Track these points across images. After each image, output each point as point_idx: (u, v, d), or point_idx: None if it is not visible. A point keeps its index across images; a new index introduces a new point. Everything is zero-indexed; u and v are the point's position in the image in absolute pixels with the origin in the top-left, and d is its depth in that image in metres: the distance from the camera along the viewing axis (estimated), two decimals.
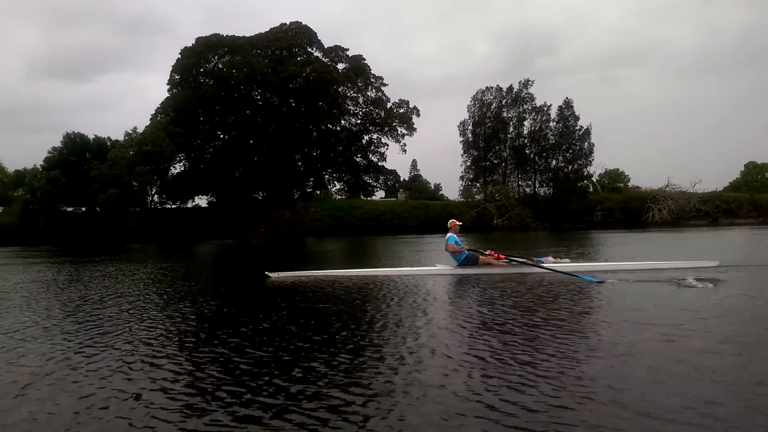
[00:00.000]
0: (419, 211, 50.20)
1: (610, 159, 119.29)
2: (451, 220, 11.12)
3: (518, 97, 53.43)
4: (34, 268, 14.35)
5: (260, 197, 58.33)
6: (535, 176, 54.45)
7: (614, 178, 68.31)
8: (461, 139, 55.55)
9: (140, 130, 52.33)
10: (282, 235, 44.94)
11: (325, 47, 58.48)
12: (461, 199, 54.01)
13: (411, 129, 58.84)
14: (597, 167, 55.10)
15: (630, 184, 67.91)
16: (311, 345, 4.70)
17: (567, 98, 52.29)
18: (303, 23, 58.00)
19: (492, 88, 54.45)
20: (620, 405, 3.01)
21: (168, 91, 57.51)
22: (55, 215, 50.22)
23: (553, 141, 52.61)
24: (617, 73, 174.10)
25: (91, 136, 54.44)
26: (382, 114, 58.82)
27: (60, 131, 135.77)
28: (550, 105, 52.91)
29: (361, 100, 59.65)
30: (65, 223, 49.50)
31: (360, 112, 60.44)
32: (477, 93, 54.82)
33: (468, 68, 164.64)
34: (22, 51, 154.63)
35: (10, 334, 5.47)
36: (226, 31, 56.73)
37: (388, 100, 59.25)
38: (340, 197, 64.57)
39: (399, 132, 59.31)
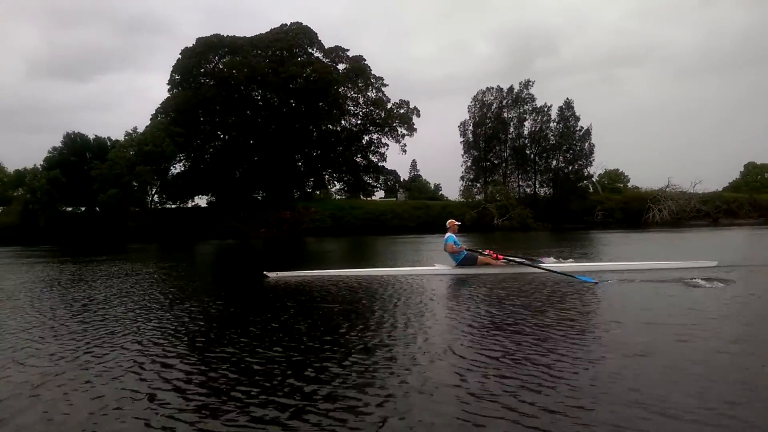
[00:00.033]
0: (420, 211, 50.22)
1: (609, 159, 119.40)
2: (449, 220, 11.08)
3: (519, 98, 53.46)
4: (36, 268, 14.31)
5: (260, 197, 58.35)
6: (536, 176, 54.48)
7: (614, 179, 68.40)
8: (462, 139, 55.63)
9: (140, 130, 52.43)
10: (282, 235, 44.91)
11: (326, 48, 58.53)
12: (462, 200, 54.02)
13: (411, 129, 58.97)
14: (597, 168, 55.29)
15: (630, 185, 68.05)
16: (313, 344, 4.68)
17: (567, 99, 52.44)
18: (303, 24, 58.10)
19: (492, 88, 54.55)
20: (640, 405, 2.98)
21: (168, 91, 57.60)
22: (56, 215, 50.23)
23: (554, 141, 52.66)
24: (617, 74, 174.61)
25: (91, 136, 54.52)
26: (383, 114, 58.87)
27: (60, 131, 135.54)
28: (551, 105, 53.04)
29: (361, 100, 59.73)
30: (65, 223, 49.51)
31: (360, 113, 60.56)
32: (477, 93, 54.92)
33: (468, 68, 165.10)
34: (22, 51, 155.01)
35: (17, 333, 5.45)
36: (225, 31, 56.89)
37: (389, 100, 59.42)
38: (339, 197, 64.64)
39: (399, 132, 59.46)
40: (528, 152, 54.01)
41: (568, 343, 4.51)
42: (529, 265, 9.73)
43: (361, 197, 62.25)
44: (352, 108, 60.13)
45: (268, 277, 9.98)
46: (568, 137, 51.68)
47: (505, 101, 54.05)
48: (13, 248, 29.76)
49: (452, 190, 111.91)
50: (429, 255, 15.28)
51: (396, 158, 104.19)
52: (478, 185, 54.41)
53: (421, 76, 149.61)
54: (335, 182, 64.78)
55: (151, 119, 55.65)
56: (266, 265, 12.25)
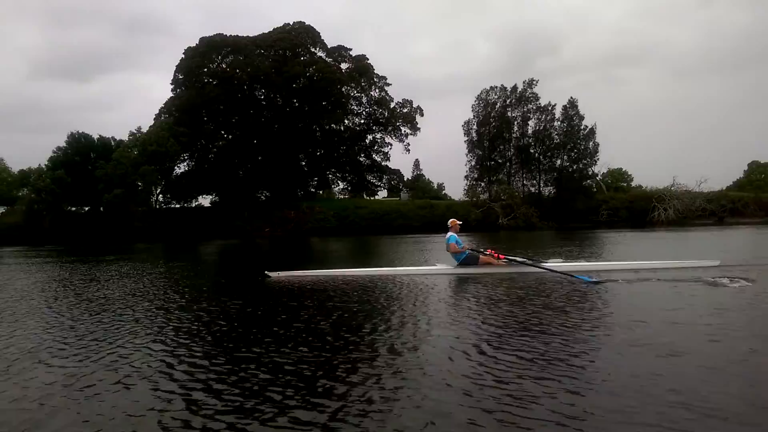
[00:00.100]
0: (424, 210, 50.11)
1: (611, 159, 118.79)
2: (451, 220, 11.03)
3: (523, 97, 53.32)
4: (46, 268, 14.32)
5: (264, 197, 58.36)
6: (540, 176, 54.36)
7: (617, 178, 68.22)
8: (466, 138, 55.49)
9: (142, 129, 52.51)
10: (287, 234, 44.92)
11: (329, 47, 58.48)
12: (466, 199, 53.93)
13: (415, 129, 58.87)
14: (601, 167, 55.13)
15: (633, 184, 67.91)
16: (312, 344, 4.64)
17: (572, 98, 52.26)
18: (306, 23, 58.05)
19: (496, 87, 54.41)
20: (684, 406, 2.94)
21: (172, 90, 57.60)
22: (60, 215, 50.27)
23: (558, 140, 52.51)
24: (617, 73, 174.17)
25: (95, 136, 54.49)
26: (386, 114, 58.80)
27: (61, 131, 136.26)
28: (555, 104, 52.87)
29: (364, 99, 59.66)
30: (70, 223, 49.54)
31: (364, 112, 60.44)
32: (481, 93, 54.79)
33: (469, 68, 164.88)
34: (24, 51, 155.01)
35: (39, 334, 5.42)
36: (226, 30, 56.67)
37: (392, 99, 59.31)
38: (343, 197, 64.62)
39: (402, 132, 59.37)
40: (532, 151, 53.87)
41: (596, 342, 4.47)
42: (530, 265, 9.71)
43: (365, 197, 62.22)
44: (355, 107, 60.06)
45: (270, 276, 9.96)
46: (573, 136, 51.53)
47: (509, 100, 53.94)
48: (19, 248, 29.80)
49: (455, 190, 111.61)
50: (432, 255, 15.23)
51: (399, 158, 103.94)
52: (483, 185, 54.33)
53: (422, 75, 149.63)
54: (339, 182, 64.78)
55: (154, 119, 55.75)
56: (271, 264, 12.24)
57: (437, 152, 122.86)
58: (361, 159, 61.38)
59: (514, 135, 54.21)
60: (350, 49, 59.14)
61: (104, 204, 46.81)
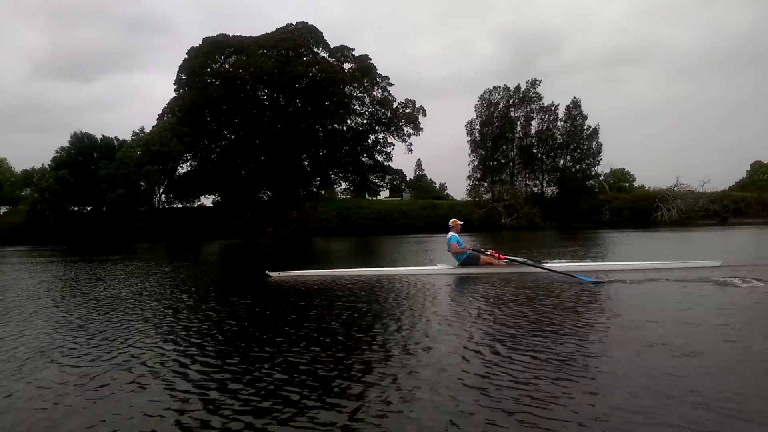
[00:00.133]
0: (427, 210, 50.10)
1: (613, 158, 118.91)
2: (452, 220, 10.97)
3: (526, 97, 53.29)
4: (51, 268, 14.32)
5: (266, 197, 58.44)
6: (543, 176, 54.30)
7: (620, 178, 68.15)
8: (469, 138, 55.50)
9: (145, 129, 52.65)
10: (289, 234, 44.93)
11: (331, 47, 58.50)
12: (468, 199, 53.90)
13: (417, 129, 58.85)
14: (603, 167, 55.09)
15: (635, 184, 67.82)
16: (310, 344, 4.62)
17: (575, 98, 52.26)
18: (309, 23, 58.08)
19: (500, 87, 54.38)
20: (704, 407, 2.91)
21: (175, 90, 57.70)
22: (63, 215, 50.37)
23: (561, 140, 52.47)
24: (619, 73, 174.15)
25: (98, 136, 54.55)
26: (388, 114, 58.80)
27: (62, 131, 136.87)
28: (558, 104, 52.87)
29: (367, 99, 59.69)
30: (73, 223, 49.65)
31: (366, 112, 60.48)
32: (484, 92, 54.77)
33: (470, 68, 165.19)
34: (25, 51, 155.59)
35: (49, 333, 5.41)
36: (226, 30, 56.63)
37: (394, 100, 59.29)
38: (345, 197, 64.65)
39: (405, 132, 59.36)
40: (535, 151, 53.85)
41: (610, 343, 4.44)
42: (530, 265, 9.68)
43: (367, 197, 62.23)
44: (358, 107, 60.09)
45: (270, 276, 9.93)
46: (576, 136, 51.49)
47: (512, 100, 53.91)
48: (22, 248, 29.84)
49: (456, 190, 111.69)
50: (434, 255, 15.19)
51: (401, 157, 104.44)
52: (486, 184, 54.29)
53: (423, 75, 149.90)
54: (341, 182, 64.84)
55: (157, 119, 55.84)
56: (273, 264, 12.24)
57: (438, 152, 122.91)
58: (363, 159, 61.40)
59: (517, 135, 54.21)
60: (353, 49, 59.26)
61: (107, 204, 46.88)
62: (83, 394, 3.42)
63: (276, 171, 54.38)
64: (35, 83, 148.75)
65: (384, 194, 65.88)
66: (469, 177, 55.60)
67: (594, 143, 51.35)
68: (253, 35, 57.25)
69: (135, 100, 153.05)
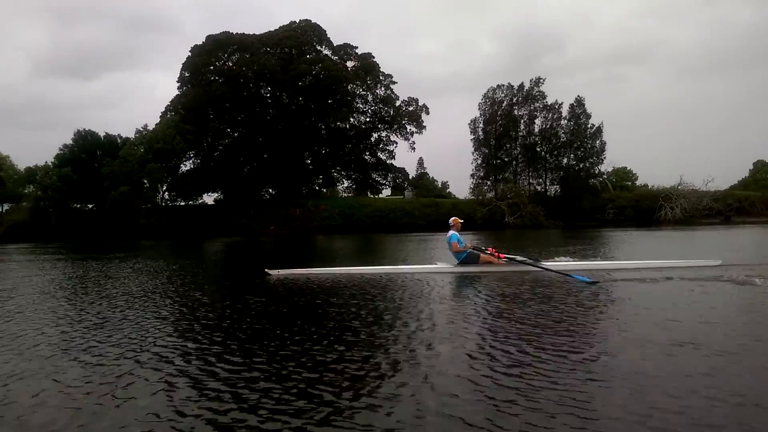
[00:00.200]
0: (429, 209, 50.11)
1: (614, 157, 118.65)
2: (453, 218, 10.91)
3: (529, 95, 53.25)
4: (59, 265, 14.34)
5: (268, 195, 58.49)
6: (546, 174, 54.27)
7: (622, 177, 68.07)
8: (472, 137, 55.53)
9: (149, 127, 52.68)
10: (292, 232, 44.97)
11: (335, 45, 58.43)
12: (471, 197, 53.91)
13: (420, 127, 58.80)
14: (607, 165, 55.08)
15: (637, 183, 67.75)
16: (307, 344, 4.60)
17: (578, 96, 52.20)
18: (312, 21, 58.01)
19: (503, 86, 54.40)
20: (743, 406, 2.92)
21: (178, 88, 57.68)
22: (66, 212, 50.42)
23: (565, 139, 52.43)
24: (621, 72, 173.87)
25: (101, 134, 54.56)
26: (391, 112, 58.76)
27: (64, 129, 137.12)
28: (562, 103, 52.83)
29: (370, 98, 59.64)
30: (76, 220, 49.70)
31: (369, 110, 60.43)
32: (488, 91, 54.77)
33: (472, 67, 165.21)
34: (27, 49, 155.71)
35: (68, 331, 5.37)
36: (228, 29, 56.57)
37: (397, 98, 59.24)
38: (347, 195, 64.67)
39: (408, 130, 59.31)
40: (539, 150, 53.79)
41: (628, 341, 4.39)
42: (530, 265, 9.68)
43: (369, 195, 62.23)
44: (361, 105, 60.07)
45: (270, 275, 9.92)
46: (579, 135, 51.45)
47: (515, 99, 53.86)
48: (26, 245, 29.85)
49: (458, 188, 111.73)
50: (436, 253, 15.17)
51: (403, 156, 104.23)
52: (489, 183, 54.30)
53: (424, 74, 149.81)
54: (344, 180, 64.83)
55: (160, 117, 55.81)
56: (276, 262, 12.28)
57: (439, 151, 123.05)
58: (366, 157, 61.37)
59: (521, 133, 54.18)
60: (356, 47, 59.15)
61: (110, 201, 46.89)
62: (112, 393, 3.40)
63: (279, 169, 54.39)
64: (37, 81, 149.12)
65: (386, 192, 65.95)
66: (472, 175, 55.72)
67: (598, 142, 51.35)
68: (256, 33, 57.29)
69: (136, 99, 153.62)
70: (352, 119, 59.76)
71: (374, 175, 62.45)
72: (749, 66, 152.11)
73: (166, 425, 2.90)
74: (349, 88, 56.68)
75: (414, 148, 60.42)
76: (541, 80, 53.32)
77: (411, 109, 58.85)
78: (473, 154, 55.51)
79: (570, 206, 48.60)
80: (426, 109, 58.92)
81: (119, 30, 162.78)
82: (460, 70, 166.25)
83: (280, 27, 57.66)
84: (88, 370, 3.98)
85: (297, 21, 58.03)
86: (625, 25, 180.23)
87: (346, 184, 65.93)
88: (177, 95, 56.86)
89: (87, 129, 53.82)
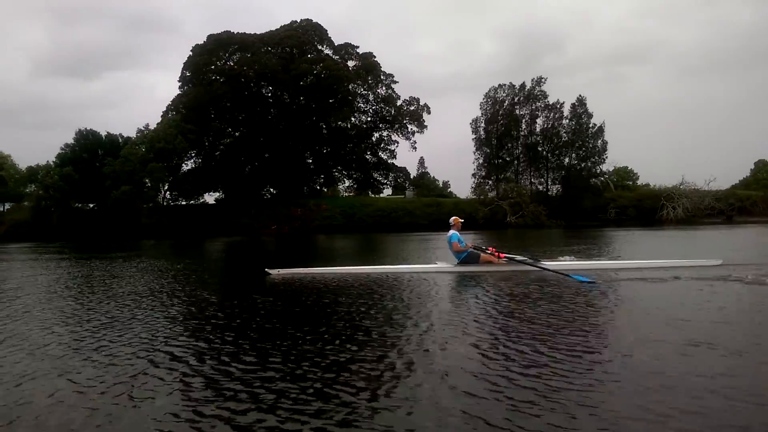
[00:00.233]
0: (431, 208, 50.09)
1: (614, 157, 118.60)
2: (453, 218, 10.88)
3: (531, 95, 53.22)
4: (63, 264, 14.33)
5: (269, 194, 58.51)
6: (548, 174, 54.26)
7: (623, 176, 68.02)
8: (474, 136, 55.52)
9: (150, 126, 52.64)
10: (293, 232, 44.99)
11: (336, 45, 58.44)
12: (473, 196, 53.90)
13: (422, 126, 58.78)
14: (608, 165, 55.04)
15: (638, 182, 67.71)
16: (306, 345, 4.58)
17: (580, 96, 52.19)
18: (313, 21, 58.00)
19: (505, 85, 54.38)
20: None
21: (179, 88, 57.71)
22: (68, 212, 50.42)
23: (566, 138, 52.41)
24: (621, 72, 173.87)
25: (103, 133, 54.54)
26: (393, 111, 58.74)
27: (65, 129, 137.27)
28: (563, 102, 52.81)
29: (371, 97, 59.66)
30: (78, 220, 49.71)
31: (370, 110, 60.43)
32: (490, 90, 54.75)
33: (472, 67, 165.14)
34: (27, 48, 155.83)
35: (78, 331, 5.35)
36: (228, 28, 56.44)
37: (398, 97, 59.22)
38: (348, 194, 64.68)
39: (409, 129, 59.30)
40: (540, 149, 53.76)
41: (640, 341, 4.36)
42: (530, 265, 9.66)
43: (370, 194, 62.23)
44: (362, 105, 60.07)
45: (270, 274, 9.91)
46: (581, 134, 51.43)
47: (517, 98, 53.83)
48: (28, 245, 29.81)
49: (459, 188, 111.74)
50: (436, 253, 15.17)
51: (403, 155, 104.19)
52: (490, 182, 54.28)
53: (425, 74, 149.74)
54: (345, 179, 64.84)
55: (162, 116, 55.82)
56: (277, 262, 12.26)
57: (440, 151, 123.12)
58: (367, 157, 61.37)
59: (522, 133, 54.17)
60: (357, 47, 59.15)
61: (111, 201, 46.88)
62: (128, 393, 3.39)
63: (280, 168, 54.39)
64: (37, 81, 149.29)
65: (386, 192, 65.94)
66: (473, 175, 55.70)
67: (599, 141, 51.31)
68: (256, 33, 57.26)
69: (136, 98, 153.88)
70: (353, 119, 59.77)
71: (375, 175, 62.47)
72: (749, 66, 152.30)
73: (186, 426, 2.88)
74: (350, 87, 56.66)
75: (415, 148, 60.55)
76: (543, 80, 53.37)
77: (412, 108, 58.85)
78: (475, 153, 55.58)
79: (571, 206, 48.60)
80: (427, 108, 58.96)
81: (119, 29, 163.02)
82: (460, 70, 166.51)
83: (281, 26, 57.69)
84: (100, 369, 3.97)
85: (298, 20, 58.06)
86: (626, 25, 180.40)
87: (347, 184, 66.03)
88: (178, 95, 56.90)
89: (88, 128, 53.86)
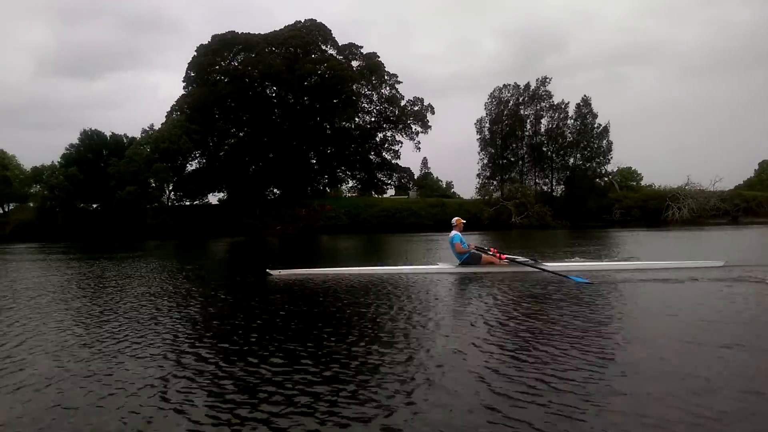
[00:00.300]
0: (436, 209, 50.02)
1: (618, 157, 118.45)
2: (455, 218, 10.84)
3: (536, 95, 53.09)
4: (73, 265, 14.34)
5: (273, 195, 58.54)
6: (552, 174, 54.16)
7: (627, 177, 67.80)
8: (478, 136, 55.37)
9: (155, 126, 52.72)
10: (298, 232, 45.03)
11: (340, 45, 58.44)
12: (477, 197, 53.84)
13: (426, 126, 58.71)
14: (612, 165, 54.88)
15: (642, 183, 67.52)
16: (305, 345, 4.55)
17: (585, 96, 52.02)
18: (318, 21, 58.01)
19: (509, 85, 54.22)
20: None
21: (184, 88, 57.77)
22: (73, 212, 50.55)
23: (571, 139, 52.30)
24: (623, 71, 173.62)
25: (107, 134, 54.62)
26: (396, 111, 58.72)
27: (67, 129, 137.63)
28: (568, 102, 52.67)
29: (375, 97, 59.58)
30: (83, 220, 49.84)
31: (374, 110, 60.38)
32: (494, 90, 54.60)
33: (474, 67, 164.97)
34: (31, 48, 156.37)
35: (102, 333, 5.35)
36: (230, 28, 56.52)
37: (402, 97, 59.19)
38: (352, 195, 64.68)
39: (413, 130, 59.27)
40: (545, 149, 53.66)
41: (670, 343, 4.34)
42: (531, 266, 9.65)
43: (374, 194, 62.23)
44: (366, 105, 60.01)
45: (271, 275, 9.89)
46: (586, 135, 51.30)
47: (521, 98, 53.73)
48: (34, 245, 29.86)
49: (462, 188, 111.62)
50: (439, 254, 15.14)
51: (407, 156, 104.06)
52: (495, 183, 54.20)
53: (426, 74, 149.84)
54: (349, 180, 64.85)
55: (166, 116, 55.91)
56: (283, 262, 12.25)
57: (442, 151, 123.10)
58: (371, 157, 61.33)
59: (527, 133, 54.06)
60: (361, 47, 59.12)
61: (116, 201, 46.98)
62: (161, 394, 3.38)
63: (284, 169, 54.40)
64: (40, 81, 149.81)
65: (390, 192, 65.87)
66: (478, 175, 55.58)
67: (604, 142, 51.18)
68: (260, 33, 57.31)
69: (139, 99, 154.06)
70: (357, 119, 59.74)
71: (379, 175, 62.43)
72: (751, 66, 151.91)
73: (227, 430, 2.88)
74: (354, 87, 56.63)
75: (419, 148, 60.47)
76: (547, 80, 53.22)
77: (416, 108, 58.77)
78: (479, 153, 55.45)
79: (576, 206, 48.48)
80: (431, 108, 58.88)
81: (121, 29, 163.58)
82: (461, 70, 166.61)
83: (285, 27, 57.70)
84: (131, 371, 3.95)
85: (302, 21, 58.08)
86: (627, 25, 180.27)
87: (351, 184, 66.04)
88: (183, 95, 56.96)
89: (93, 129, 53.93)
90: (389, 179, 62.96)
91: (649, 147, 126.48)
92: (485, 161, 54.99)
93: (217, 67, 56.06)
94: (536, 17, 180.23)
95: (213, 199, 59.41)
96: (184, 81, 57.36)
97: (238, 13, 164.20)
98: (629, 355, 4.01)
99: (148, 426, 2.93)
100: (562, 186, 53.65)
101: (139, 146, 49.74)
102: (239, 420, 2.98)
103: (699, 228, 33.76)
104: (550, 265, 9.61)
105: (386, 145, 61.43)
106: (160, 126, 52.35)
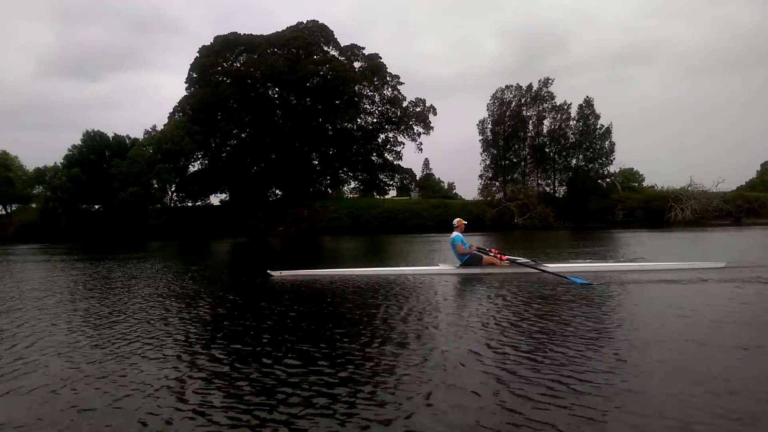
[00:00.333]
0: (438, 210, 50.03)
1: (620, 157, 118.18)
2: (456, 219, 10.78)
3: (538, 96, 53.12)
4: (78, 266, 14.33)
5: (275, 196, 58.60)
6: (555, 175, 54.14)
7: (629, 177, 67.76)
8: (481, 137, 55.43)
9: (157, 127, 52.84)
10: (300, 233, 45.03)
11: (342, 46, 58.53)
12: (480, 198, 53.83)
13: (428, 128, 58.78)
14: (615, 166, 54.84)
15: (644, 184, 67.48)
16: (304, 347, 4.56)
17: (587, 97, 52.04)
18: (320, 22, 58.09)
19: (512, 86, 54.28)
20: None
21: (186, 89, 57.88)
22: (75, 213, 50.62)
23: (574, 140, 52.28)
24: (626, 72, 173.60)
25: (110, 135, 54.73)
26: (398, 113, 58.78)
27: (69, 129, 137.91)
28: (570, 103, 52.67)
29: (377, 98, 59.71)
30: (85, 221, 49.91)
31: (376, 111, 60.47)
32: (497, 91, 54.68)
33: (476, 67, 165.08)
34: (32, 49, 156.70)
35: (113, 334, 5.33)
36: (232, 29, 56.63)
37: (404, 98, 59.22)
38: (353, 196, 64.73)
39: (415, 131, 59.32)
40: (547, 150, 53.65)
41: (687, 343, 4.32)
42: (532, 267, 9.62)
43: (376, 195, 62.27)
44: (368, 106, 60.12)
45: (272, 276, 9.88)
46: (588, 136, 51.29)
47: (524, 99, 53.75)
48: (37, 246, 29.87)
49: (464, 189, 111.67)
50: (440, 255, 15.12)
51: (409, 157, 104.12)
52: (497, 184, 54.20)
53: (428, 75, 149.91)
54: (351, 181, 64.94)
55: (168, 117, 56.02)
56: (286, 263, 12.23)
57: (444, 152, 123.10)
58: (373, 158, 61.40)
59: (529, 134, 54.07)
60: (363, 48, 59.25)
61: (119, 202, 47.04)
62: (180, 396, 3.37)
63: (286, 170, 54.46)
64: (42, 81, 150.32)
65: (391, 193, 65.91)
66: (480, 176, 55.62)
67: (607, 143, 51.16)
68: (262, 34, 57.39)
69: (140, 99, 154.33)
70: (359, 120, 59.85)
71: (381, 176, 62.50)
72: (753, 66, 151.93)
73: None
74: (356, 88, 56.72)
75: (421, 149, 60.59)
76: (550, 81, 53.25)
77: (418, 109, 58.87)
78: (482, 154, 55.48)
79: (579, 207, 48.46)
80: (433, 109, 58.99)
81: (122, 30, 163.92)
82: (462, 70, 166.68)
83: (287, 27, 57.83)
84: (146, 372, 3.93)
85: (304, 21, 58.20)
86: (629, 25, 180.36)
87: (352, 185, 66.11)
88: (185, 96, 57.07)
89: (96, 129, 54.04)
90: (391, 180, 63.05)
91: (650, 147, 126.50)
92: (488, 162, 55.07)
93: (220, 68, 56.17)
94: (537, 17, 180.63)
95: (215, 200, 59.65)
96: (186, 82, 57.53)
97: (239, 13, 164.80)
98: (645, 356, 4.00)
99: (169, 427, 2.91)
100: (564, 187, 53.63)
101: (141, 147, 49.85)
102: (259, 421, 2.96)
103: (701, 229, 33.69)
104: (551, 266, 9.59)
105: (388, 146, 61.59)
106: (162, 127, 52.45)
